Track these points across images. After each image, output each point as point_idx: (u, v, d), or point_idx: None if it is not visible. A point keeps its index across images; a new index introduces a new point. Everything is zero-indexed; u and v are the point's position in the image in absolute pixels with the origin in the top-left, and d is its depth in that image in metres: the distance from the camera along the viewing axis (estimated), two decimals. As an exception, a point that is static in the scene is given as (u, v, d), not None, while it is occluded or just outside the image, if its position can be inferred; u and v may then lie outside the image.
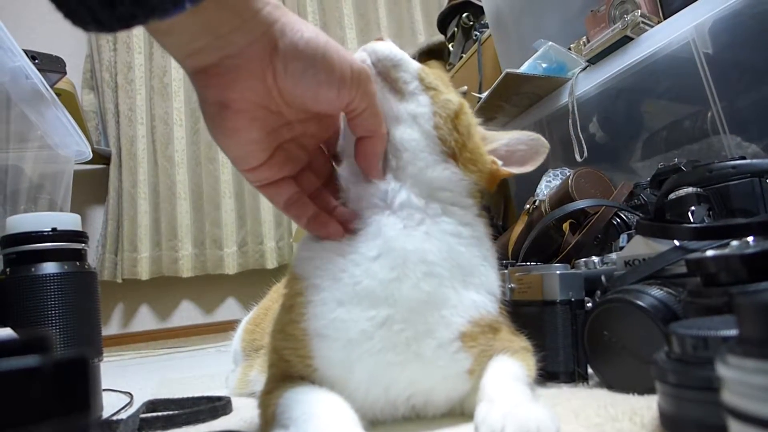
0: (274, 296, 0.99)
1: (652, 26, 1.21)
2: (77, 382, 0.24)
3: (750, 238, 0.58)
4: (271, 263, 3.08)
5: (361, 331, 0.53)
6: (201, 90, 0.50)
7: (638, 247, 0.74)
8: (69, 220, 0.80)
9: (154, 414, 0.72)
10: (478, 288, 0.58)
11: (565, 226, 1.16)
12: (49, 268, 0.76)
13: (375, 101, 0.55)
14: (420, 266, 0.54)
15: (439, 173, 0.59)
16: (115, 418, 0.76)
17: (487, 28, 1.88)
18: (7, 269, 0.77)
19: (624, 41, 1.24)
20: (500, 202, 1.69)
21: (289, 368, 0.56)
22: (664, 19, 1.19)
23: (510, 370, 0.57)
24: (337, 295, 0.54)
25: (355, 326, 0.53)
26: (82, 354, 0.24)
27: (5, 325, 0.73)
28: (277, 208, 0.59)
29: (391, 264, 0.54)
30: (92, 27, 0.40)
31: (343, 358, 0.53)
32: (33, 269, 0.75)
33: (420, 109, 0.59)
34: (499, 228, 1.55)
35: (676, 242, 0.68)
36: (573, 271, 0.78)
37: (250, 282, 2.92)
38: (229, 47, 0.47)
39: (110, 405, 0.89)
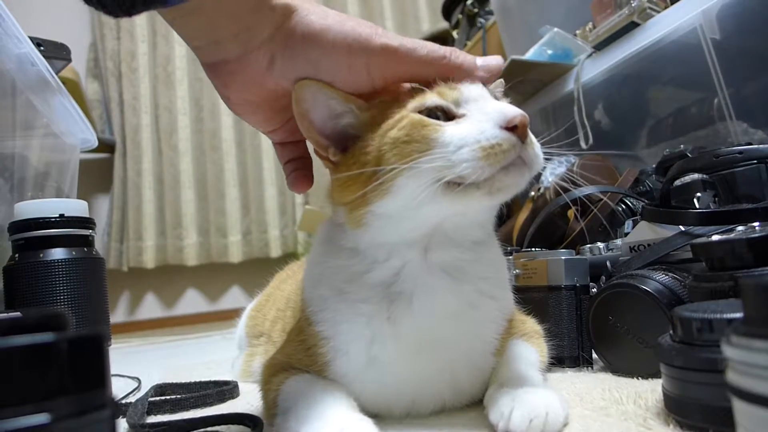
0: (276, 283, 1.00)
1: (658, 12, 1.20)
2: (92, 360, 0.25)
3: (756, 224, 0.58)
4: (275, 252, 3.09)
5: (391, 375, 0.53)
6: (208, 78, 0.51)
7: (643, 232, 0.74)
8: (76, 207, 0.81)
9: (163, 398, 0.73)
10: (502, 285, 0.58)
11: (570, 212, 1.16)
12: (57, 253, 0.76)
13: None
14: (462, 314, 0.53)
15: (488, 229, 0.57)
16: (124, 401, 0.77)
17: (492, 15, 1.87)
18: (16, 255, 0.77)
19: (630, 27, 1.23)
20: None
21: (299, 367, 0.56)
22: (671, 4, 1.18)
23: (524, 355, 0.57)
24: (372, 356, 0.52)
25: (390, 374, 0.53)
26: (96, 332, 0.25)
27: (14, 310, 0.73)
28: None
29: (438, 338, 0.52)
30: (97, 7, 0.41)
31: (372, 392, 0.53)
32: (41, 255, 0.76)
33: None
34: (503, 216, 1.54)
35: (682, 228, 0.69)
36: (578, 256, 0.78)
37: (255, 270, 2.93)
38: (225, 53, 0.47)
39: (118, 390, 0.90)
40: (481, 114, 0.47)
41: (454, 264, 0.53)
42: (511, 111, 0.46)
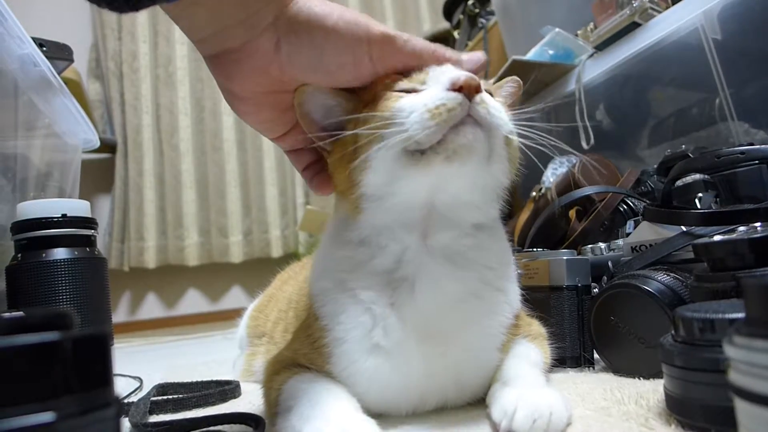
0: (278, 284, 1.00)
1: (660, 12, 1.20)
2: (97, 359, 0.25)
3: (757, 224, 0.58)
4: (276, 252, 3.09)
5: (399, 364, 0.52)
6: (211, 72, 0.51)
7: (645, 233, 0.74)
8: (79, 207, 0.81)
9: (165, 397, 0.73)
10: (508, 277, 0.58)
11: (572, 213, 1.16)
12: (60, 253, 0.76)
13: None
14: (466, 304, 0.53)
15: (486, 213, 0.56)
16: (126, 401, 0.77)
17: (493, 15, 1.87)
18: (19, 255, 0.77)
19: (632, 27, 1.23)
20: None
21: (304, 363, 0.56)
22: (673, 4, 1.18)
23: (528, 355, 0.57)
24: (376, 346, 0.52)
25: (395, 365, 0.52)
26: (101, 331, 0.25)
27: (17, 310, 0.73)
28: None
29: (442, 327, 0.52)
30: (104, 5, 0.41)
31: (377, 387, 0.53)
32: (44, 255, 0.76)
33: (502, 166, 0.52)
34: (504, 216, 1.54)
35: (683, 228, 0.69)
36: (580, 256, 0.79)
37: (256, 270, 2.93)
38: (230, 41, 0.47)
39: (120, 389, 0.90)
40: (435, 83, 0.49)
41: (455, 249, 0.53)
42: (455, 73, 0.48)
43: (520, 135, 0.53)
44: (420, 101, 0.48)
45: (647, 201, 0.97)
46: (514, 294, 0.59)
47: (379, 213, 0.52)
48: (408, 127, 0.47)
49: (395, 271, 0.53)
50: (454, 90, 0.47)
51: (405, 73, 0.52)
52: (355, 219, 0.53)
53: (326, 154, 0.55)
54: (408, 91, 0.50)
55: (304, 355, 0.56)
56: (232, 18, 0.46)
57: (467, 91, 0.47)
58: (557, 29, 1.43)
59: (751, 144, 0.75)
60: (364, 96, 0.52)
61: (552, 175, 1.34)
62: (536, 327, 0.64)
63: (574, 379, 0.66)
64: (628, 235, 0.86)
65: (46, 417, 0.22)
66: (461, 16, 2.07)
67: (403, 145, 0.47)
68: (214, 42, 0.48)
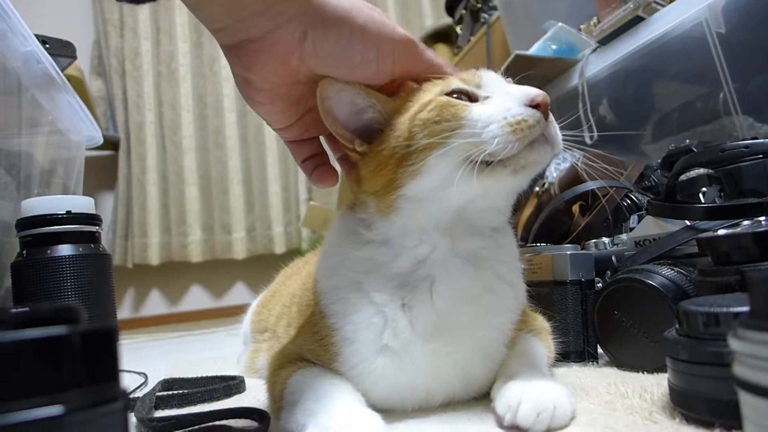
0: (282, 279, 1.00)
1: (664, 6, 1.19)
2: (104, 353, 0.25)
3: (761, 218, 0.57)
4: (279, 248, 3.10)
5: (405, 364, 0.52)
6: (229, 62, 0.50)
7: (649, 227, 0.74)
8: (83, 203, 0.81)
9: (170, 392, 0.74)
10: (517, 272, 0.59)
11: (575, 208, 1.16)
12: (65, 250, 0.77)
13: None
14: (481, 299, 0.54)
15: (505, 217, 0.57)
16: (131, 396, 0.77)
17: (496, 10, 1.86)
18: (24, 251, 0.78)
19: (635, 21, 1.23)
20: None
21: (309, 358, 0.56)
22: (676, -2, 1.18)
23: (533, 350, 0.58)
24: (387, 346, 0.52)
25: (403, 364, 0.52)
26: (108, 325, 0.25)
27: (23, 306, 0.74)
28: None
29: (454, 324, 0.53)
30: None
31: (385, 385, 0.53)
32: (48, 251, 0.76)
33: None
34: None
35: (687, 222, 0.69)
36: (583, 251, 0.78)
37: (259, 266, 2.94)
38: (251, 31, 0.46)
39: (125, 385, 0.90)
40: (505, 95, 0.49)
41: (475, 250, 0.54)
42: (533, 90, 0.49)
43: None
44: (497, 113, 0.47)
45: (651, 195, 0.97)
46: (521, 289, 0.59)
47: (415, 214, 0.52)
48: (486, 138, 0.47)
49: (414, 272, 0.53)
50: (532, 106, 0.48)
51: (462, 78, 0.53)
52: (385, 218, 0.53)
53: (353, 154, 0.54)
54: (466, 94, 0.50)
55: (309, 351, 0.56)
56: (249, 9, 0.45)
57: (544, 109, 0.48)
58: (560, 24, 1.42)
59: (755, 138, 0.74)
60: (413, 98, 0.51)
61: (555, 170, 1.34)
62: (540, 322, 0.64)
63: (577, 373, 0.66)
64: (631, 229, 0.85)
65: (55, 410, 0.22)
66: (463, 12, 2.06)
67: (474, 156, 0.47)
68: (234, 31, 0.47)
